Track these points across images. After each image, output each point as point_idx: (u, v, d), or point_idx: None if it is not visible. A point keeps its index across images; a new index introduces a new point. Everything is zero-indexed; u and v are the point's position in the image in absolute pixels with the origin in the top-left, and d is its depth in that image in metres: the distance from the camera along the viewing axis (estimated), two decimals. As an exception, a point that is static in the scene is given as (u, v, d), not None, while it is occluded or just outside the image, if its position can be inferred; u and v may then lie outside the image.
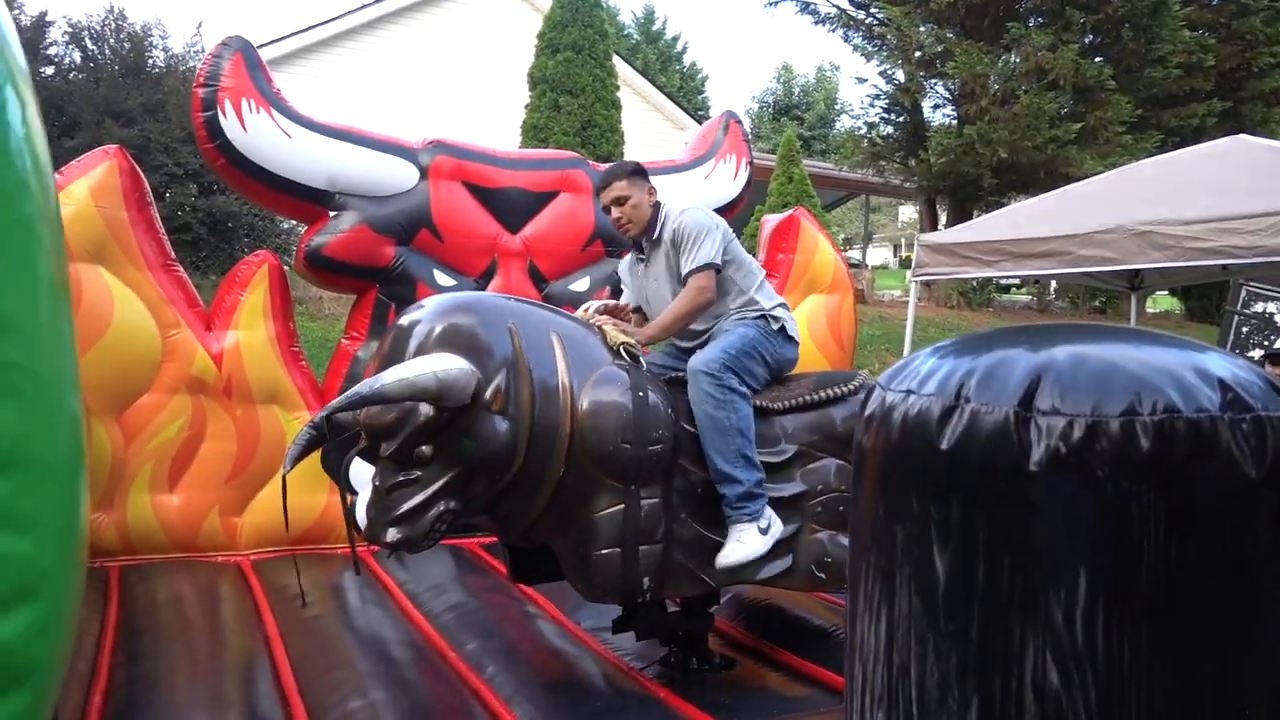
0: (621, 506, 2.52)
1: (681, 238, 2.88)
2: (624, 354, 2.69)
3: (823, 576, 2.81)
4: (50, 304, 1.78)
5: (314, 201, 4.17)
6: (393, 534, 2.26)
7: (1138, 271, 6.85)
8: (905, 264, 30.26)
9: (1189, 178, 5.11)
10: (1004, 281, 16.62)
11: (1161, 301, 19.70)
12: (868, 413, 1.11)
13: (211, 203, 10.17)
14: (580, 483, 2.49)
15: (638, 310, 3.16)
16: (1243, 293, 9.64)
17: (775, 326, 2.93)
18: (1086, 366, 0.95)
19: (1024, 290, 19.43)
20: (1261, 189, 4.54)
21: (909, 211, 39.00)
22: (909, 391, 1.04)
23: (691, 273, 2.85)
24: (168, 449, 3.88)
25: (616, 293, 4.77)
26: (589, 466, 2.48)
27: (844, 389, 2.93)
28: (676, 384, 2.76)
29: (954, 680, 0.96)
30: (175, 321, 3.88)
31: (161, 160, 9.80)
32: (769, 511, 2.68)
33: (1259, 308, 9.52)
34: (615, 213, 2.92)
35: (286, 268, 4.32)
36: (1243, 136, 5.62)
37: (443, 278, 4.38)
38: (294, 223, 11.03)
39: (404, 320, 2.43)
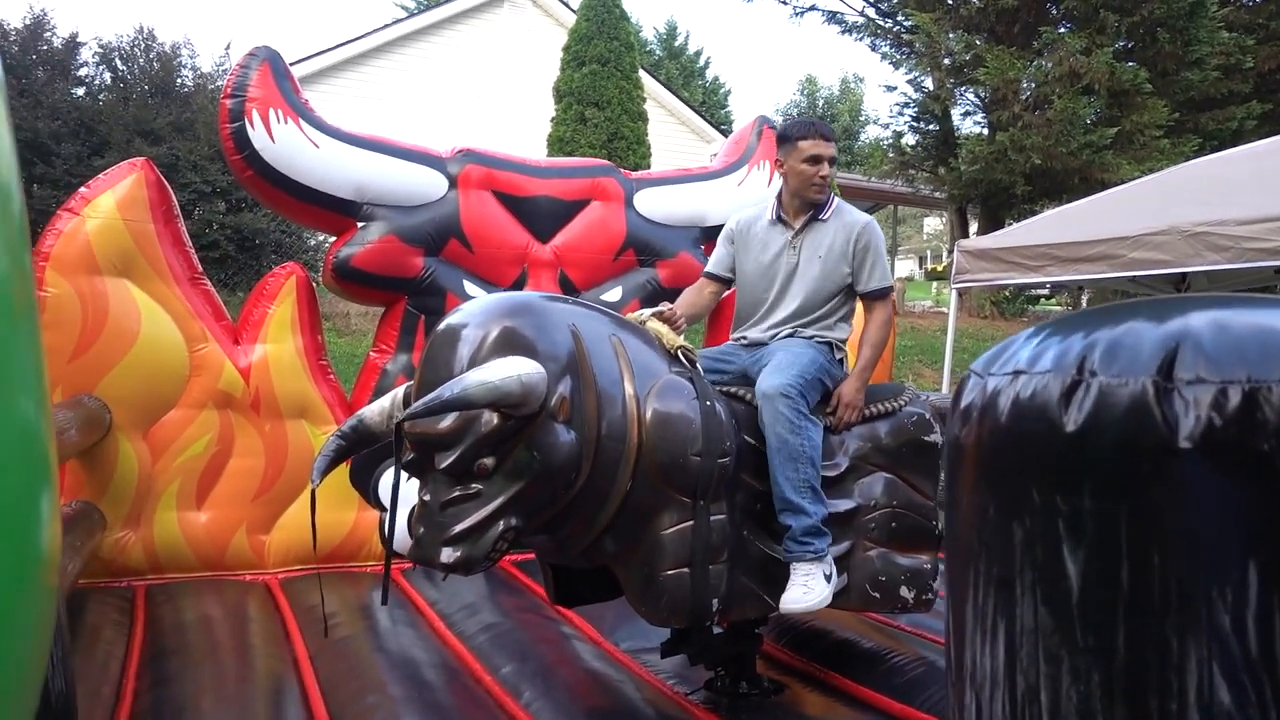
0: (690, 523, 2.35)
1: (869, 246, 2.83)
2: (682, 359, 2.56)
3: (876, 596, 2.68)
4: None
5: (342, 212, 4.09)
6: (449, 554, 2.04)
7: (1184, 276, 6.65)
8: (931, 276, 29.97)
9: (1240, 177, 4.92)
10: (1034, 292, 16.37)
11: (1199, 309, 19.31)
12: (964, 404, 0.97)
13: (240, 220, 10.20)
14: (647, 498, 2.33)
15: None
16: (1290, 298, 9.38)
17: (838, 356, 2.86)
18: (1231, 331, 0.82)
19: (1055, 300, 19.14)
20: (1321, 187, 4.36)
21: (934, 223, 38.73)
22: (1017, 372, 0.90)
23: (878, 295, 2.85)
24: (195, 465, 3.80)
25: (648, 303, 4.67)
26: (657, 480, 2.32)
27: (895, 404, 2.82)
28: (728, 394, 2.63)
29: (1098, 704, 0.81)
30: (202, 335, 3.81)
31: (190, 178, 9.85)
32: (830, 554, 2.54)
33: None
34: (825, 170, 2.81)
35: (315, 282, 4.24)
36: (1296, 134, 5.44)
37: (472, 288, 4.29)
38: (321, 239, 11.07)
39: (451, 323, 2.21)
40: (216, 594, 3.57)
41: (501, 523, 2.07)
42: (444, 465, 2.03)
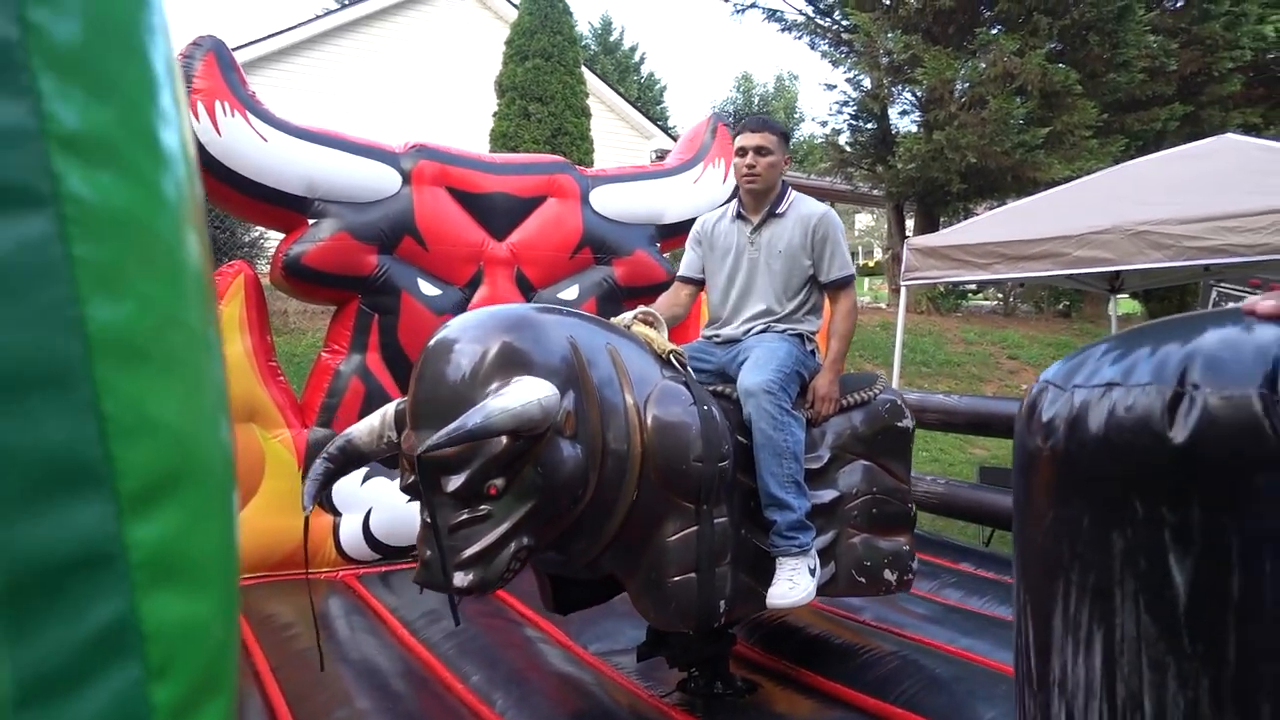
0: (695, 529, 2.34)
1: (827, 236, 2.83)
2: (674, 362, 2.53)
3: (862, 581, 2.72)
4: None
5: (292, 208, 3.97)
6: (463, 579, 1.98)
7: (1119, 273, 6.85)
8: (864, 271, 30.44)
9: (1180, 178, 5.07)
10: (964, 288, 16.74)
11: (1124, 304, 19.99)
12: (1047, 416, 0.97)
13: (171, 215, 9.85)
14: (652, 506, 2.30)
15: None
16: (1213, 294, 9.72)
17: (809, 348, 2.87)
18: None
19: (983, 295, 19.60)
20: (1256, 186, 4.51)
21: (865, 219, 39.34)
22: (1110, 384, 0.91)
23: (842, 284, 2.86)
24: (140, 472, 3.64)
25: (604, 301, 4.63)
26: (660, 488, 2.30)
27: (870, 394, 2.88)
28: (715, 394, 2.62)
29: (1207, 709, 0.82)
30: (146, 336, 3.65)
31: (118, 171, 9.48)
32: (814, 548, 2.55)
33: (1229, 308, 9.61)
34: (750, 159, 2.79)
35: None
36: (1230, 135, 5.61)
37: (427, 287, 4.20)
38: (256, 234, 10.76)
39: (446, 338, 2.16)
40: (165, 605, 3.43)
41: (514, 543, 2.02)
42: (453, 489, 1.98)
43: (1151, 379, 0.89)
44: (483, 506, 2.00)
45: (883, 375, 3.11)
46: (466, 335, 2.14)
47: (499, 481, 1.99)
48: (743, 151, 2.82)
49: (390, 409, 2.26)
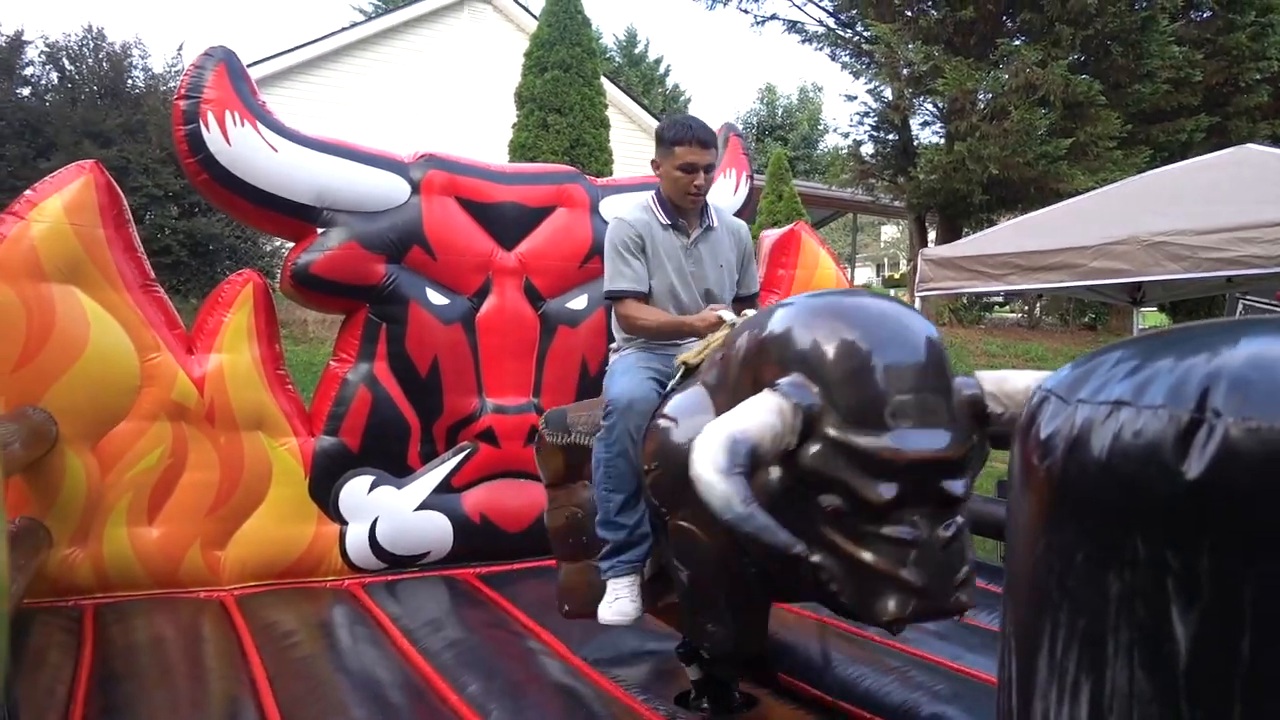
0: None
1: (749, 249, 2.84)
2: None
3: None
4: None
5: (301, 218, 3.99)
6: (964, 598, 1.76)
7: (1139, 284, 6.75)
8: (889, 283, 30.30)
9: (1199, 188, 5.00)
10: (989, 300, 16.60)
11: (1150, 318, 19.76)
12: (1046, 433, 0.87)
13: (193, 225, 9.97)
14: None
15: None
16: (1240, 306, 9.58)
17: None
18: None
19: (1009, 308, 19.42)
20: (1274, 197, 4.43)
21: (891, 231, 39.17)
22: (1118, 403, 0.80)
23: (755, 299, 2.87)
24: (146, 479, 3.67)
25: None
26: None
27: None
28: None
29: None
30: (155, 344, 3.68)
31: (141, 182, 9.60)
32: None
33: (1271, 317, 9.46)
34: (701, 179, 2.65)
35: (271, 289, 4.13)
36: (1250, 146, 5.53)
37: (435, 296, 4.21)
38: (277, 244, 10.86)
39: (890, 326, 1.87)
40: (169, 612, 3.44)
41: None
42: (962, 491, 1.77)
43: (1166, 400, 0.77)
44: (957, 516, 1.79)
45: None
46: (914, 323, 1.90)
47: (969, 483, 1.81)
48: (692, 169, 2.64)
49: (780, 404, 1.77)
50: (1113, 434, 0.80)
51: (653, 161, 2.80)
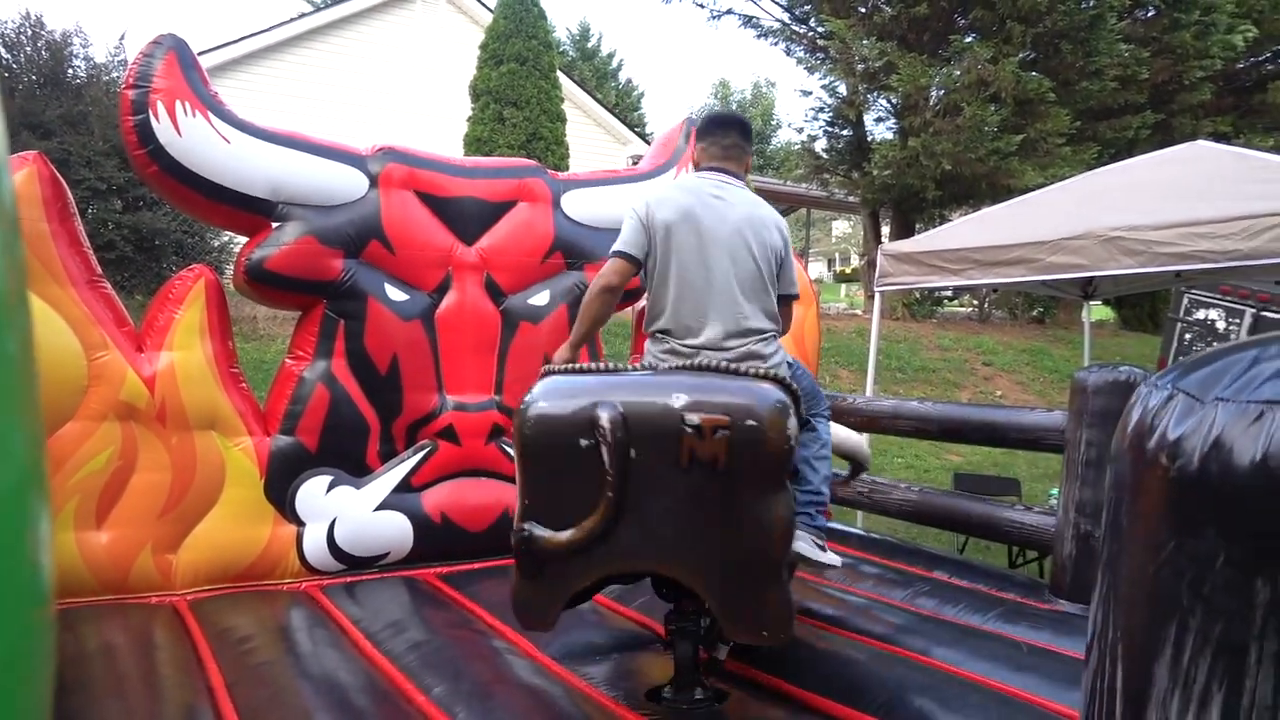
0: None
1: None
2: None
3: None
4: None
5: (255, 212, 3.88)
6: None
7: (1092, 279, 6.87)
8: (840, 278, 30.56)
9: (1153, 184, 5.08)
10: (940, 294, 16.80)
11: (1096, 311, 20.19)
12: (1177, 431, 0.84)
13: (138, 219, 9.71)
14: None
15: None
16: (1185, 300, 9.81)
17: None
18: None
19: (959, 302, 19.70)
20: (1228, 193, 4.52)
21: (843, 226, 39.55)
22: (1272, 402, 0.78)
23: None
24: (94, 482, 3.54)
25: (577, 305, 4.54)
26: None
27: None
28: None
29: None
30: (102, 342, 3.55)
31: (83, 174, 9.32)
32: None
33: (1200, 315, 9.69)
34: None
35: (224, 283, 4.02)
36: (1202, 142, 5.64)
37: (395, 292, 4.13)
38: (225, 239, 10.63)
39: None
40: (120, 619, 3.33)
41: None
42: None
43: None
44: None
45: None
46: None
47: None
48: None
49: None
50: (1267, 434, 0.76)
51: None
